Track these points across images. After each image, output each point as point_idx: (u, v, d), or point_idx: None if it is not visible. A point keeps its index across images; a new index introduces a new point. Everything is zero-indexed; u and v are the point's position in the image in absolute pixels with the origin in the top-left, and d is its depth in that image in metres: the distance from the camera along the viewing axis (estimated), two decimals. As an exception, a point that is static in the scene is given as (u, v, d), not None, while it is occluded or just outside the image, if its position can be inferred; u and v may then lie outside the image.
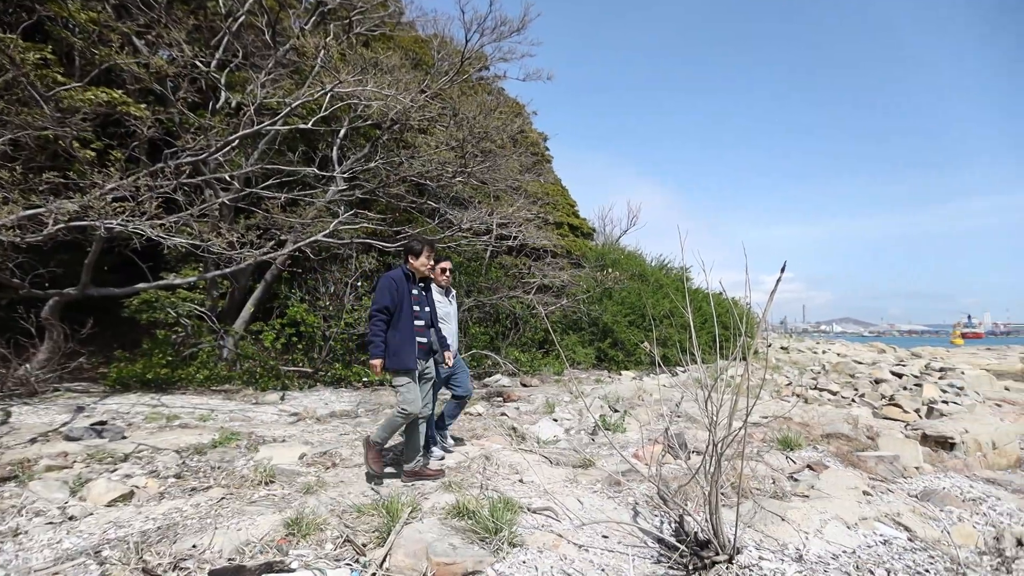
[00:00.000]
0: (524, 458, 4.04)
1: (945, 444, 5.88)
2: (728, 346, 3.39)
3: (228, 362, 6.98)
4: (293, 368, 7.00)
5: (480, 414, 5.79)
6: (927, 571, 2.48)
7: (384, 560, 2.31)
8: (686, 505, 2.71)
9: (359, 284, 7.48)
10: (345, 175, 7.14)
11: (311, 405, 5.98)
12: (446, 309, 4.23)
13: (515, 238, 7.56)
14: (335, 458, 4.03)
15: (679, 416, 5.40)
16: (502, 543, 2.47)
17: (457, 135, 6.85)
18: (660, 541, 2.62)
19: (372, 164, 7.20)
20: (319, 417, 5.53)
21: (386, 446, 3.65)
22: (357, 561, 2.35)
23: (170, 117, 6.37)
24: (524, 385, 7.56)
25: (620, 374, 8.80)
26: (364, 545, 2.48)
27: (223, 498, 3.11)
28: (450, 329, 4.26)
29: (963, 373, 11.92)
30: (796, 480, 3.90)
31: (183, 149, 5.67)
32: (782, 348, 16.47)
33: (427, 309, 3.76)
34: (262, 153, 7.21)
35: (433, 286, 4.07)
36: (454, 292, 4.55)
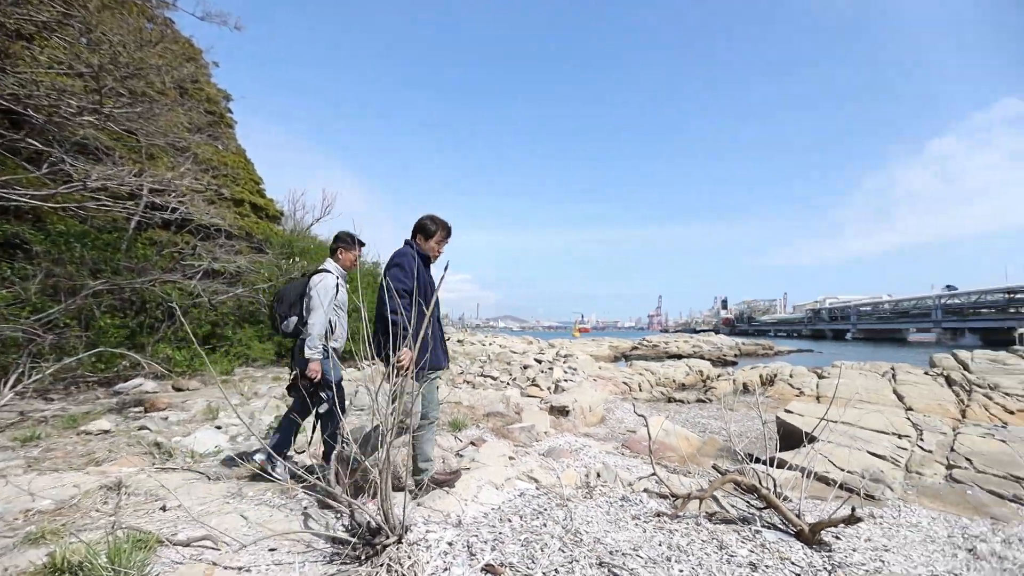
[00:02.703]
0: (171, 479, 3.30)
1: (563, 411, 7.80)
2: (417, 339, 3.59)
3: None
4: None
5: (107, 431, 4.44)
6: (546, 509, 3.21)
7: None
8: (360, 498, 2.71)
9: None
10: None
11: None
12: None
13: (176, 210, 6.06)
14: None
15: (361, 410, 5.43)
16: (126, 594, 1.93)
17: (91, 59, 5.01)
18: (333, 540, 2.54)
19: (-90, 61, 4.53)
20: None
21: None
22: None
23: None
24: (178, 389, 6.20)
25: (304, 370, 8.24)
26: None
27: None
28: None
29: (577, 358, 16.16)
30: (462, 456, 4.45)
31: None
32: (459, 341, 18.70)
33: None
34: None
35: (335, 269, 3.57)
36: None
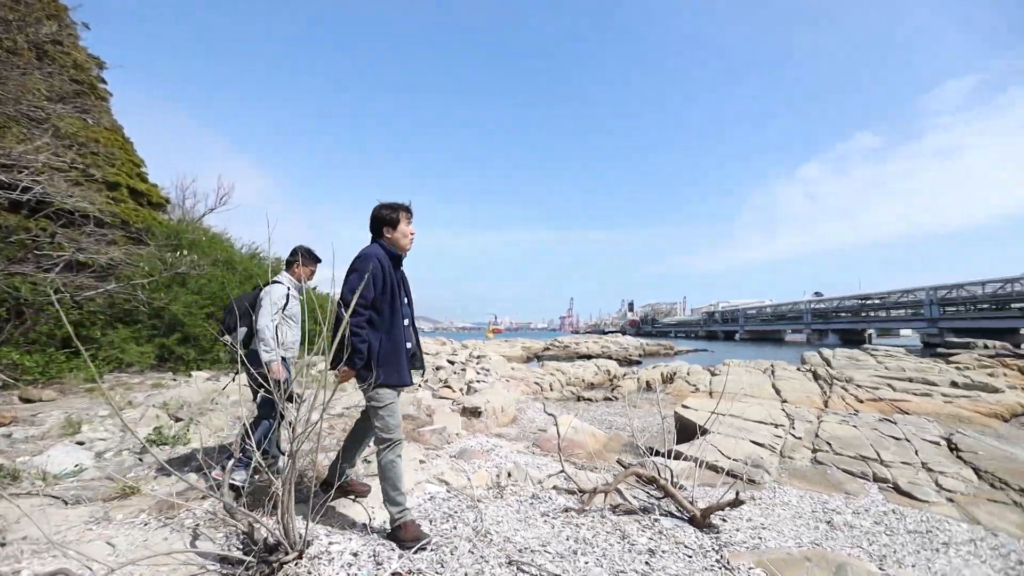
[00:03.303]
0: (14, 506, 2.81)
1: (476, 412, 7.77)
2: (319, 340, 3.39)
3: None
4: None
5: (-77, 454, 3.69)
6: (456, 512, 3.16)
7: None
8: (259, 512, 2.49)
9: None
10: None
11: None
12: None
13: (29, 190, 5.14)
14: None
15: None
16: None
17: (-89, 5, 4.10)
18: (224, 560, 2.31)
19: None
20: None
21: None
22: None
23: None
24: (27, 400, 5.31)
25: (191, 375, 7.45)
26: None
27: None
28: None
29: (491, 359, 16.23)
30: (368, 462, 4.27)
31: None
32: (368, 342, 17.93)
33: (405, 301, 2.83)
34: None
35: (287, 280, 3.62)
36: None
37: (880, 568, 2.80)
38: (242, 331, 3.45)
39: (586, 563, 2.48)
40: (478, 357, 16.18)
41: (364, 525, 2.85)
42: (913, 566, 2.95)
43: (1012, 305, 45.36)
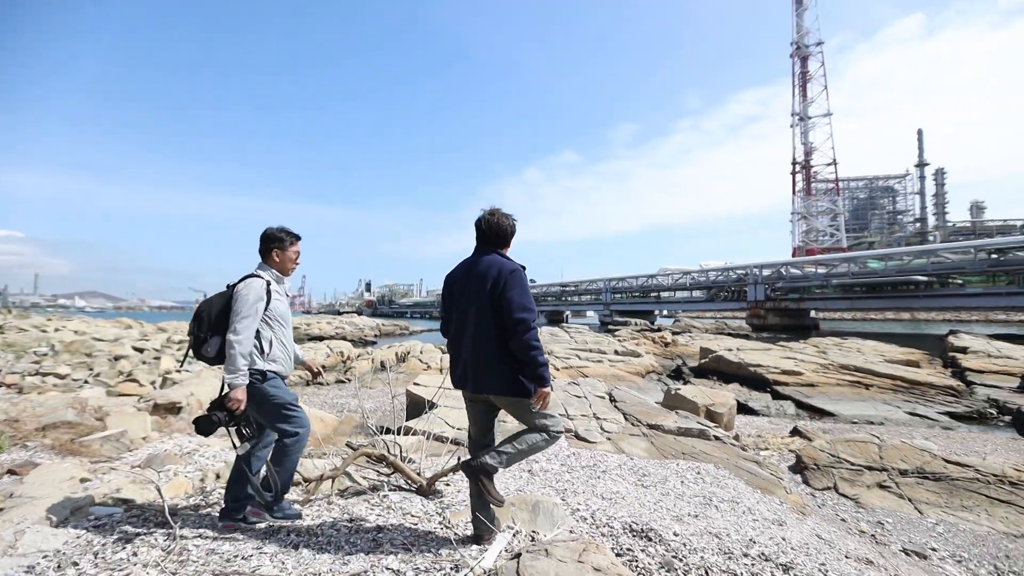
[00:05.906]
0: None
1: (174, 409, 6.41)
2: None
3: None
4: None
5: None
6: (139, 535, 2.54)
7: None
8: None
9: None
10: None
11: None
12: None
13: None
14: None
15: None
16: None
17: None
18: None
19: None
20: None
21: None
22: None
23: None
24: None
25: None
26: None
27: None
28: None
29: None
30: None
31: None
32: (-6, 326, 12.73)
33: None
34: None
35: (272, 277, 2.88)
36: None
37: (563, 500, 3.49)
38: (215, 341, 2.69)
39: (309, 553, 2.33)
40: (179, 342, 13.43)
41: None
42: (583, 492, 3.78)
43: (651, 294, 63.10)
